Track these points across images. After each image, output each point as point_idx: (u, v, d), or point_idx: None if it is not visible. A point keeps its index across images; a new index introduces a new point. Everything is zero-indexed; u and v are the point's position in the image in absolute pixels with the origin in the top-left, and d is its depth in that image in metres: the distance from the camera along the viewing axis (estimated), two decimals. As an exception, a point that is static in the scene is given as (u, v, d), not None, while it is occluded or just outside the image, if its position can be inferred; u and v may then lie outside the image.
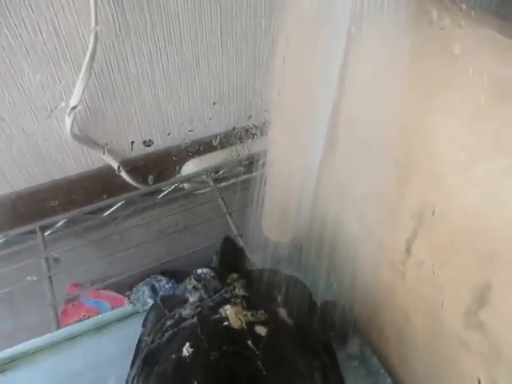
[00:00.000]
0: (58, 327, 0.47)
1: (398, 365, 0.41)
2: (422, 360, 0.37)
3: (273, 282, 0.40)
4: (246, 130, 0.61)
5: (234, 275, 0.40)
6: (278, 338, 0.35)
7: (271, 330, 0.35)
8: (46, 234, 0.57)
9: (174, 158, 0.63)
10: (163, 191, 0.64)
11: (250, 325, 0.35)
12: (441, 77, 0.28)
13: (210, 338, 0.34)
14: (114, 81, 0.53)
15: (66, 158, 0.57)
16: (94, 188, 0.60)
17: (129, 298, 0.48)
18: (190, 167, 0.65)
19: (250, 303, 0.37)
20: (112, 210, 0.61)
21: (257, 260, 0.48)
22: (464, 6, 0.26)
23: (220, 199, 0.61)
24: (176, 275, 0.55)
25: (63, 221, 0.58)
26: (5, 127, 0.50)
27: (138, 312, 0.46)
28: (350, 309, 0.42)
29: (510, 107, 0.25)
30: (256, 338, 0.34)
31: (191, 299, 0.39)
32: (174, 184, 0.64)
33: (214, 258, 0.44)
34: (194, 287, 0.39)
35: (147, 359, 0.36)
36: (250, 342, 0.33)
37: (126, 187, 0.62)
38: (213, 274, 0.40)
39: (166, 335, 0.36)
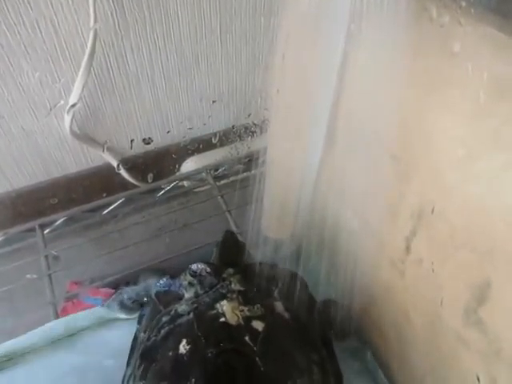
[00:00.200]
0: (58, 325, 0.47)
1: (396, 362, 0.41)
2: (421, 357, 0.37)
3: (269, 276, 0.40)
4: (246, 128, 0.61)
5: (230, 270, 0.39)
6: (276, 333, 0.35)
7: (268, 324, 0.35)
8: (45, 232, 0.57)
9: (173, 155, 0.63)
10: (163, 189, 0.64)
11: (247, 320, 0.34)
12: (440, 74, 0.28)
13: (206, 335, 0.33)
14: (113, 79, 0.53)
15: (65, 156, 0.57)
16: (94, 186, 0.60)
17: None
18: (189, 165, 0.65)
19: (246, 298, 0.36)
20: (111, 207, 0.61)
21: (256, 258, 0.48)
22: (464, 4, 0.26)
23: (219, 197, 0.61)
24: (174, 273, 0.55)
25: (63, 219, 0.58)
26: (4, 125, 0.50)
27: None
28: (350, 306, 0.42)
29: (510, 105, 0.25)
30: (253, 333, 0.34)
31: (187, 295, 0.39)
32: (173, 182, 0.64)
33: (214, 251, 0.44)
34: (190, 283, 0.39)
35: (144, 356, 0.36)
36: (247, 338, 0.33)
37: (125, 185, 0.62)
38: (208, 270, 0.39)
39: (162, 332, 0.36)
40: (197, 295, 0.38)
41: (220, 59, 0.57)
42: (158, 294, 0.40)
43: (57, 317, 0.48)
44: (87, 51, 0.48)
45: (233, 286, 0.38)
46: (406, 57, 0.28)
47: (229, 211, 0.59)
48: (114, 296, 0.44)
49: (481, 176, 0.27)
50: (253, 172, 0.47)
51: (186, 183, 0.66)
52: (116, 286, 0.62)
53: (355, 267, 0.40)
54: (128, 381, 0.36)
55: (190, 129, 0.62)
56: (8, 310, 0.57)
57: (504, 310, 0.27)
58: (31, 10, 0.44)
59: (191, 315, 0.35)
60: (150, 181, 0.63)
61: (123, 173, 0.60)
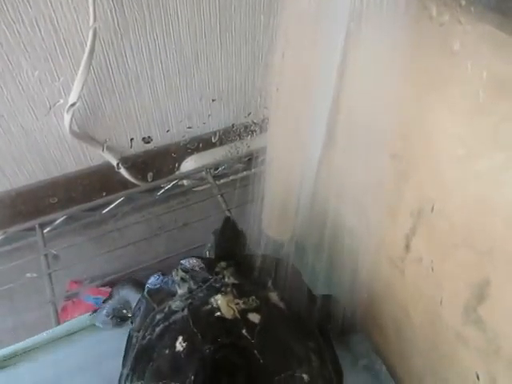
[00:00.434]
0: (58, 324, 0.47)
1: (396, 360, 0.41)
2: (420, 356, 0.37)
3: (262, 267, 0.40)
4: (245, 127, 0.61)
5: (223, 263, 0.39)
6: (272, 324, 0.35)
7: (264, 316, 0.34)
8: (45, 231, 0.57)
9: (173, 154, 0.63)
10: (162, 188, 0.64)
11: (243, 313, 0.34)
12: (440, 73, 0.28)
13: (203, 331, 0.33)
14: (112, 77, 0.53)
15: (65, 155, 0.57)
16: (93, 185, 0.60)
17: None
18: (189, 164, 0.65)
19: (240, 291, 0.36)
20: (111, 206, 0.61)
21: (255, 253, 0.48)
22: (463, 2, 0.26)
23: (219, 196, 0.61)
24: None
25: (62, 218, 0.58)
26: (3, 124, 0.50)
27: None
28: (349, 304, 0.42)
29: (509, 103, 0.25)
30: (250, 326, 0.33)
31: (180, 291, 0.38)
32: (173, 181, 0.64)
33: (212, 238, 0.43)
34: (182, 279, 0.38)
35: (139, 356, 0.35)
36: (244, 331, 0.33)
37: (125, 184, 0.62)
38: (201, 265, 0.39)
39: (157, 330, 0.35)
40: (190, 291, 0.37)
41: (220, 58, 0.57)
42: (150, 291, 0.40)
43: (57, 316, 0.48)
44: (87, 50, 0.48)
45: (226, 279, 0.37)
46: (406, 55, 0.28)
47: (229, 210, 0.59)
48: (96, 312, 0.44)
49: (480, 174, 0.27)
50: (253, 171, 0.47)
51: (185, 182, 0.66)
52: (116, 285, 0.62)
53: (355, 265, 0.40)
54: (125, 381, 0.35)
55: (189, 128, 0.62)
56: (8, 308, 0.57)
57: (503, 309, 0.27)
58: (30, 9, 0.44)
59: (186, 311, 0.35)
60: (149, 180, 0.63)
61: (123, 172, 0.60)
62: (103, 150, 0.58)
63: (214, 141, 0.65)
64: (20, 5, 0.43)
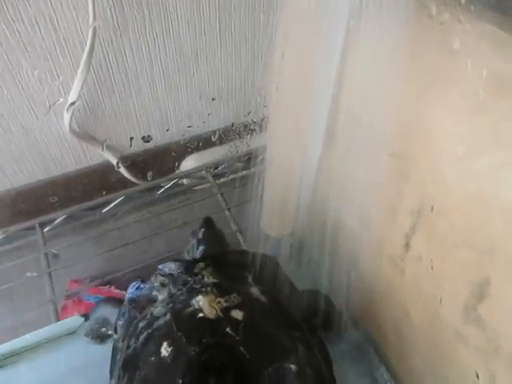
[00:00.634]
0: (58, 323, 0.47)
1: (396, 360, 0.41)
2: (420, 355, 0.37)
3: (241, 263, 0.40)
4: (245, 126, 0.61)
5: (201, 264, 0.38)
6: (256, 319, 0.35)
7: (247, 312, 0.34)
8: (45, 230, 0.57)
9: (173, 153, 0.63)
10: (162, 187, 0.64)
11: (226, 311, 0.34)
12: (440, 72, 0.28)
13: (187, 334, 0.33)
14: (112, 76, 0.53)
15: (64, 154, 0.57)
16: (93, 184, 0.60)
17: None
18: (189, 163, 0.65)
19: (221, 289, 0.36)
20: (111, 206, 0.61)
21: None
22: (463, 1, 0.26)
23: (219, 195, 0.61)
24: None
25: (62, 217, 0.58)
26: (3, 123, 0.50)
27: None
28: (349, 304, 0.42)
29: (509, 101, 0.25)
30: (233, 323, 0.33)
31: (160, 297, 0.38)
32: (173, 180, 0.64)
33: (191, 239, 0.43)
34: (162, 284, 0.38)
35: (126, 366, 0.35)
36: (228, 329, 0.33)
37: (125, 183, 0.62)
38: (179, 268, 0.38)
39: (141, 338, 0.35)
40: (171, 295, 0.37)
41: (219, 57, 0.57)
42: (131, 300, 0.39)
43: (57, 315, 0.48)
44: (86, 49, 0.48)
45: (206, 279, 0.37)
46: (406, 54, 0.28)
47: (228, 209, 0.59)
48: (79, 330, 0.43)
49: (480, 173, 0.27)
50: (252, 170, 0.47)
51: (185, 181, 0.66)
52: (116, 284, 0.62)
53: (355, 264, 0.40)
54: None
55: (189, 127, 0.62)
56: (8, 308, 0.57)
57: (503, 308, 0.27)
58: (30, 8, 0.44)
59: (168, 316, 0.35)
60: (149, 179, 0.63)
61: (123, 171, 0.60)
62: (103, 149, 0.58)
63: (213, 140, 0.65)
64: (19, 4, 0.43)
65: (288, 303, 0.38)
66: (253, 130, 0.58)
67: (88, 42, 0.48)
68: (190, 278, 0.37)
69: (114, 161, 0.59)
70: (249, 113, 0.63)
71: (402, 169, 0.33)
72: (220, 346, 0.32)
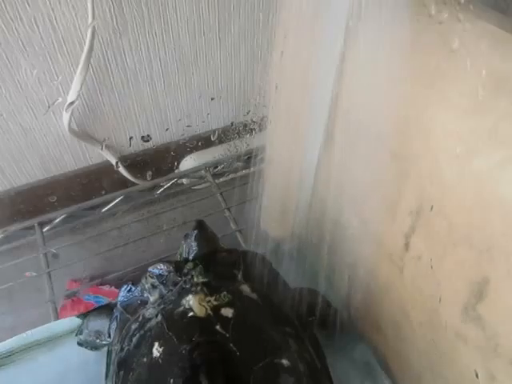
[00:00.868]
0: (58, 323, 0.47)
1: (394, 359, 0.41)
2: (419, 354, 0.37)
3: (230, 261, 0.40)
4: (245, 125, 0.61)
5: (190, 264, 0.38)
6: (246, 316, 0.35)
7: (237, 309, 0.34)
8: (44, 229, 0.57)
9: (172, 153, 0.63)
10: (162, 187, 0.64)
11: (216, 309, 0.34)
12: (439, 71, 0.28)
13: (177, 333, 0.33)
14: (111, 76, 0.52)
15: (64, 153, 0.57)
16: (93, 184, 0.60)
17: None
18: (188, 162, 0.65)
19: (211, 288, 0.36)
20: (110, 205, 0.61)
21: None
22: (462, 0, 0.26)
23: (219, 194, 0.61)
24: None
25: (62, 217, 0.58)
26: (2, 123, 0.50)
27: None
28: (348, 303, 0.42)
29: (508, 101, 0.25)
30: (224, 321, 0.33)
31: (152, 298, 0.38)
32: (172, 179, 0.64)
33: (183, 242, 0.43)
34: (152, 285, 0.38)
35: (119, 368, 0.35)
36: (218, 327, 0.33)
37: (124, 183, 0.62)
38: (169, 269, 0.38)
39: (134, 340, 0.35)
40: (162, 296, 0.37)
41: (219, 56, 0.57)
42: (123, 303, 0.39)
43: (56, 315, 0.48)
44: (85, 48, 0.48)
45: (195, 278, 0.37)
46: (405, 53, 0.28)
47: (228, 209, 0.59)
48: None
49: (479, 173, 0.27)
50: (252, 169, 0.47)
51: (185, 181, 0.66)
52: (116, 283, 0.62)
53: (354, 264, 0.40)
54: None
55: (188, 126, 0.62)
56: (7, 307, 0.57)
57: (502, 307, 0.27)
58: (29, 7, 0.44)
59: (159, 317, 0.35)
60: (149, 178, 0.63)
61: (122, 170, 0.60)
62: (102, 148, 0.58)
63: (213, 139, 0.65)
64: (18, 3, 0.43)
65: (279, 299, 0.39)
66: (252, 130, 0.58)
67: (87, 42, 0.48)
68: (179, 279, 0.38)
69: (113, 160, 0.59)
70: (248, 112, 0.63)
71: (401, 168, 0.33)
72: (210, 343, 0.32)
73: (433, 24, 0.28)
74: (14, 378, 0.42)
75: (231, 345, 0.32)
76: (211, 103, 0.61)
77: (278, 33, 0.36)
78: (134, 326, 0.36)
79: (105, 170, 0.60)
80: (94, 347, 0.42)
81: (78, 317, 0.44)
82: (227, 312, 0.34)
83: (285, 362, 0.33)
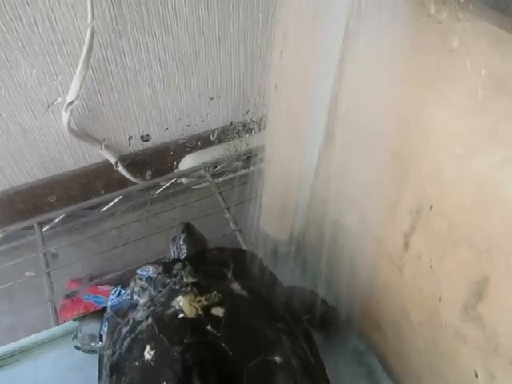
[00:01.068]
0: (57, 322, 0.47)
1: (394, 359, 0.41)
2: (419, 354, 0.37)
3: (220, 260, 0.40)
4: (244, 125, 0.61)
5: (179, 264, 0.38)
6: (238, 314, 0.35)
7: (228, 308, 0.34)
8: (44, 229, 0.57)
9: (171, 153, 0.63)
10: (161, 186, 0.64)
11: (206, 309, 0.34)
12: (439, 70, 0.28)
13: (169, 335, 0.33)
14: (111, 76, 0.52)
15: (63, 153, 0.57)
16: (92, 183, 0.60)
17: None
18: (187, 162, 0.65)
19: (201, 288, 0.36)
20: (110, 205, 0.61)
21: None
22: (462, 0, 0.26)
23: (218, 194, 0.61)
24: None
25: (61, 216, 0.58)
26: (1, 123, 0.50)
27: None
28: (348, 303, 0.42)
29: (508, 100, 0.25)
30: (215, 320, 0.33)
31: (141, 301, 0.38)
32: (171, 179, 0.64)
33: (172, 245, 0.42)
34: (142, 288, 0.38)
35: (112, 372, 0.35)
36: (209, 327, 0.33)
37: (123, 182, 0.62)
38: (158, 270, 0.38)
39: (125, 343, 0.35)
40: (152, 298, 0.37)
41: (218, 56, 0.57)
42: (113, 307, 0.39)
43: (56, 314, 0.48)
44: (85, 48, 0.48)
45: (185, 279, 0.37)
46: (405, 53, 0.28)
47: (227, 208, 0.59)
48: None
49: (479, 172, 0.27)
50: (251, 169, 0.47)
51: (184, 180, 0.66)
52: (115, 283, 0.62)
53: (354, 263, 0.40)
54: None
55: (188, 126, 0.62)
56: (7, 307, 0.57)
57: (502, 306, 0.27)
58: (28, 6, 0.44)
59: (150, 319, 0.35)
60: (148, 178, 0.63)
61: (121, 170, 0.60)
62: (102, 148, 0.58)
63: (212, 139, 0.65)
64: (18, 3, 0.43)
65: (271, 296, 0.38)
66: (252, 129, 0.58)
67: (86, 42, 0.48)
68: (169, 280, 0.37)
69: (112, 160, 0.59)
70: (247, 112, 0.63)
71: (400, 168, 0.33)
72: (202, 344, 0.32)
73: (432, 23, 0.28)
74: (15, 378, 0.42)
75: (223, 344, 0.32)
76: (211, 103, 0.61)
77: (278, 32, 0.36)
78: (124, 330, 0.36)
79: (104, 169, 0.60)
80: (91, 351, 0.42)
81: (74, 320, 0.44)
82: (218, 311, 0.34)
83: (278, 358, 0.33)
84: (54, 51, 0.48)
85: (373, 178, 0.35)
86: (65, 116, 0.52)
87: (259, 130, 0.51)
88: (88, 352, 0.42)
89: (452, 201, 0.29)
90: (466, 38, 0.26)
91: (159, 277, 0.38)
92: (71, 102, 0.51)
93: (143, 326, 0.35)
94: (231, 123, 0.64)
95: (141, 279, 0.39)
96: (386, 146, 0.33)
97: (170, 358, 0.32)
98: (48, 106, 0.51)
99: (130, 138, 0.60)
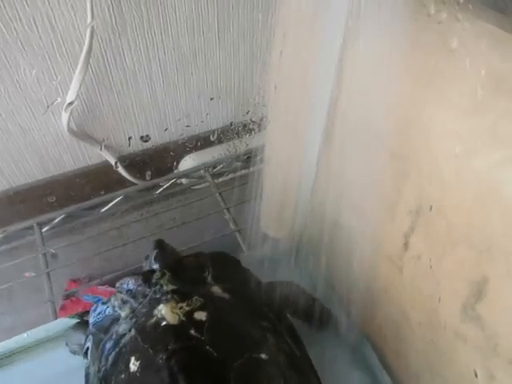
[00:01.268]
0: (57, 323, 0.47)
1: (394, 359, 0.41)
2: (418, 354, 0.37)
3: (198, 265, 0.40)
4: (244, 125, 0.61)
5: (158, 273, 0.38)
6: (220, 317, 0.35)
7: (211, 311, 0.34)
8: (43, 229, 0.57)
9: (171, 153, 0.63)
10: (161, 186, 0.64)
11: (188, 315, 0.34)
12: (438, 70, 0.28)
13: (153, 344, 0.33)
14: (110, 76, 0.52)
15: (63, 153, 0.57)
16: (92, 184, 0.60)
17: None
18: (187, 162, 0.65)
19: (181, 294, 0.36)
20: (110, 205, 0.61)
21: (256, 255, 0.48)
22: (461, 0, 0.26)
23: (218, 194, 0.61)
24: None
25: (61, 217, 0.58)
26: (1, 123, 0.50)
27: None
28: (348, 303, 0.42)
29: (507, 100, 0.25)
30: (198, 324, 0.33)
31: (123, 314, 0.38)
32: (171, 179, 0.64)
33: (145, 263, 0.42)
34: (122, 300, 0.38)
35: None
36: (192, 331, 0.33)
37: (123, 183, 0.62)
38: (138, 281, 0.38)
39: (110, 358, 0.35)
40: (133, 310, 0.37)
41: (218, 56, 0.57)
42: (95, 324, 0.39)
43: (55, 315, 0.48)
44: (84, 48, 0.48)
45: (165, 287, 0.37)
46: (404, 53, 0.28)
47: (227, 209, 0.59)
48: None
49: (478, 172, 0.27)
50: (251, 169, 0.47)
51: (184, 181, 0.66)
52: (115, 283, 0.62)
53: (354, 263, 0.40)
54: None
55: (187, 126, 0.62)
56: (6, 307, 0.57)
57: (501, 306, 0.27)
58: (27, 6, 0.44)
59: (133, 331, 0.35)
60: (148, 178, 0.63)
61: (121, 170, 0.60)
62: (101, 148, 0.58)
63: (212, 139, 0.65)
64: (17, 3, 0.43)
65: (252, 296, 0.39)
66: (251, 130, 0.58)
67: (86, 42, 0.47)
68: (148, 290, 0.37)
69: (112, 160, 0.59)
70: (247, 112, 0.63)
71: (400, 168, 0.33)
72: (186, 349, 0.32)
73: (432, 23, 0.28)
74: (13, 378, 0.42)
75: (207, 347, 0.32)
76: (210, 103, 0.61)
77: (277, 32, 0.36)
78: (108, 345, 0.36)
79: (104, 170, 0.60)
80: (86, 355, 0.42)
81: (70, 318, 0.44)
82: (200, 315, 0.34)
83: (263, 355, 0.33)
84: (54, 51, 0.48)
85: (372, 177, 0.35)
86: (64, 116, 0.52)
87: (259, 130, 0.51)
88: (84, 355, 0.42)
89: (451, 201, 0.29)
90: (465, 37, 0.26)
91: (139, 288, 0.38)
92: (71, 103, 0.51)
93: (126, 338, 0.35)
94: (231, 123, 0.64)
95: (121, 292, 0.39)
96: (385, 145, 0.33)
97: (156, 366, 0.31)
98: (47, 107, 0.51)
99: (130, 138, 0.60)
